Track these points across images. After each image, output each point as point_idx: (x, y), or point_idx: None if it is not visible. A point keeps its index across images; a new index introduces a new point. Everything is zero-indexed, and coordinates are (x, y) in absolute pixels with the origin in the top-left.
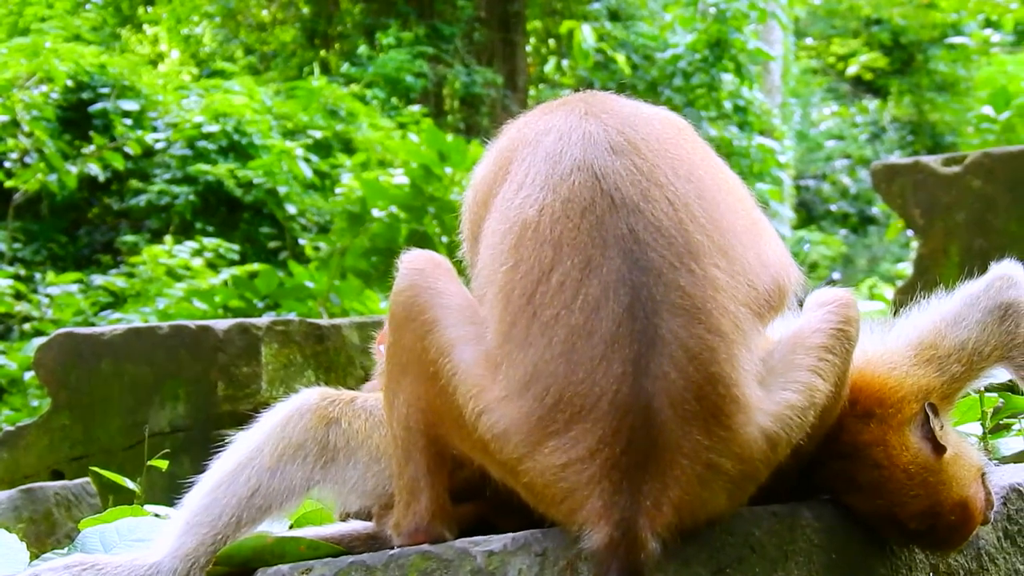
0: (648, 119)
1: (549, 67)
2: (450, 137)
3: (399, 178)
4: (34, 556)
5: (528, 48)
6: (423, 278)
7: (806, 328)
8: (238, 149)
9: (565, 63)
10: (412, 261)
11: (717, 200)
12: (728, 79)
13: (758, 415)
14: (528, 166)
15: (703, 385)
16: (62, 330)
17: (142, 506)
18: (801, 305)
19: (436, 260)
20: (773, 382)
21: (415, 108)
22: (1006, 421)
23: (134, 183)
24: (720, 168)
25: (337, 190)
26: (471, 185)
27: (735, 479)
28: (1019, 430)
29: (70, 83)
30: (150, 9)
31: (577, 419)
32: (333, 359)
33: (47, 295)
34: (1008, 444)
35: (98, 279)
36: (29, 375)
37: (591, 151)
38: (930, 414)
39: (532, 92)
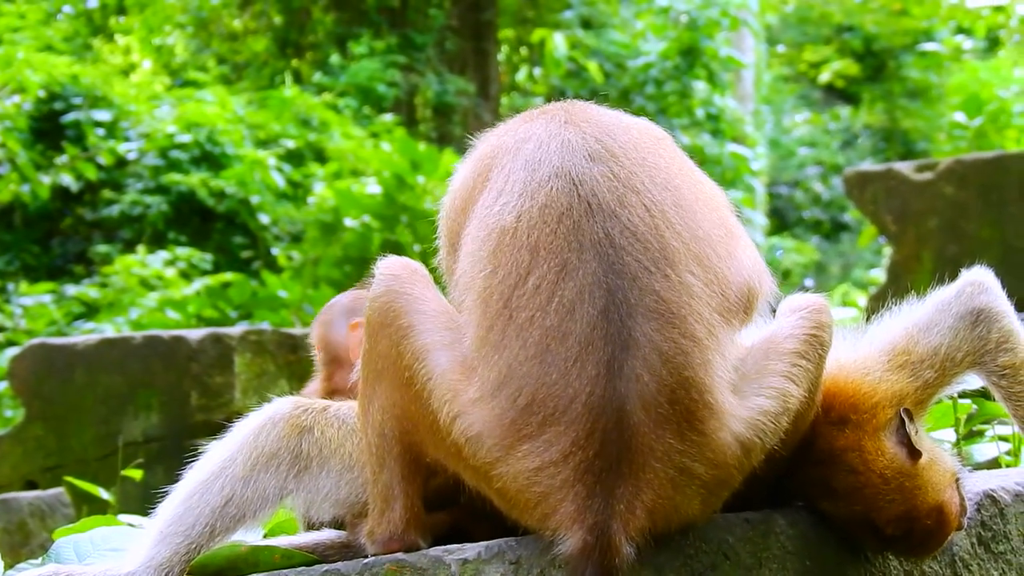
0: (627, 128)
1: (521, 76)
2: (422, 146)
3: (372, 187)
4: (8, 566)
5: (500, 57)
6: (399, 284)
7: (779, 334)
8: (211, 159)
9: (537, 71)
10: (388, 267)
11: (694, 208)
12: (700, 87)
13: (731, 421)
14: (507, 173)
15: (676, 389)
16: (35, 340)
17: (116, 516)
18: (774, 312)
19: (412, 266)
20: (746, 388)
21: (387, 117)
22: (979, 427)
23: (107, 193)
24: (698, 178)
25: (310, 199)
26: (449, 191)
27: (709, 484)
28: (992, 436)
29: (42, 93)
30: (122, 19)
31: (550, 421)
32: (307, 369)
33: (20, 305)
34: (981, 450)
35: (71, 289)
36: (2, 386)
37: (569, 158)
38: (905, 419)
39: (504, 101)
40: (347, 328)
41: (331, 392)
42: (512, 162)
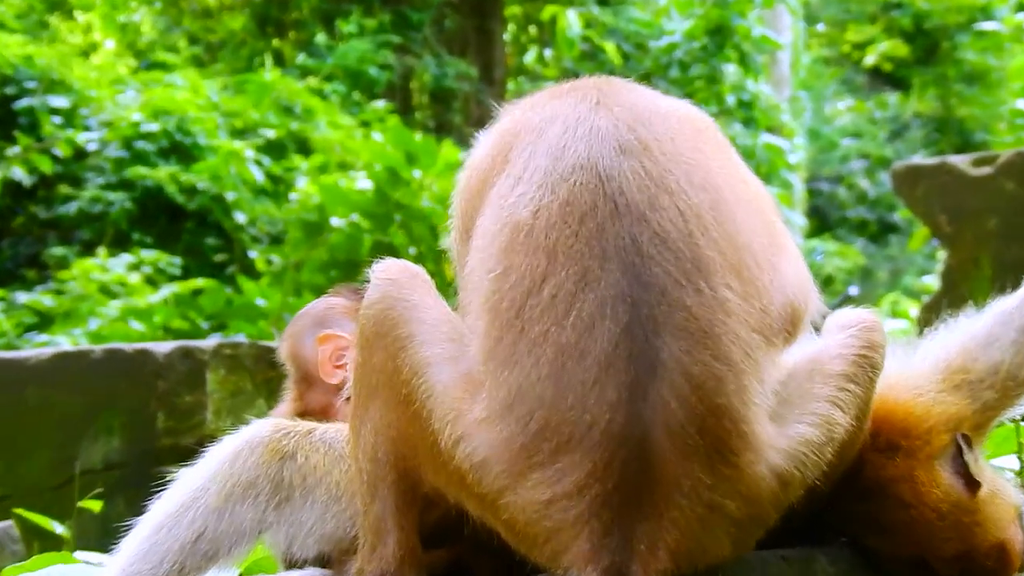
0: (665, 116)
1: (530, 58)
2: (419, 136)
3: (362, 182)
4: None
5: (506, 37)
6: (397, 289)
7: (825, 354)
8: (181, 150)
9: (548, 53)
10: (385, 271)
11: (734, 212)
12: (731, 70)
13: (768, 452)
14: (528, 158)
15: (707, 417)
16: None
17: (72, 553)
18: (819, 328)
19: (411, 270)
20: (787, 414)
21: (379, 104)
22: None
23: (64, 189)
24: (741, 175)
25: (292, 196)
26: (467, 167)
27: (740, 522)
28: None
29: None
30: None
31: (564, 449)
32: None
33: None
34: None
35: (22, 296)
36: None
37: (597, 149)
38: (963, 446)
39: (510, 86)
40: (315, 341)
41: (303, 413)
42: (535, 145)
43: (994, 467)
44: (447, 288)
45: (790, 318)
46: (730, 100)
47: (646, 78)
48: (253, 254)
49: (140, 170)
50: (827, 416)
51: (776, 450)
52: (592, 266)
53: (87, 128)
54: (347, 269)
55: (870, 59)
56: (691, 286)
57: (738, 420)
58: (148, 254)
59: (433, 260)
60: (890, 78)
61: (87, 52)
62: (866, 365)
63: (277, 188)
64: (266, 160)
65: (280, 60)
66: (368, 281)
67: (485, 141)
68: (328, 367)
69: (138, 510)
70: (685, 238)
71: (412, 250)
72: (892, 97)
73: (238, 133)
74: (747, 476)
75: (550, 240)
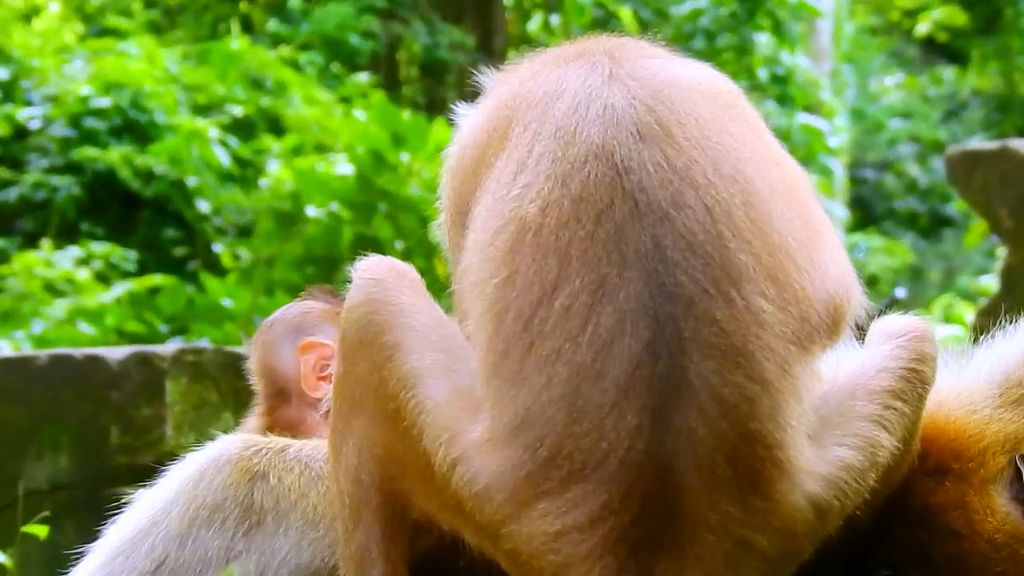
0: (688, 90)
1: (534, 25)
2: (407, 114)
3: (342, 167)
4: None
5: (507, 1)
6: (383, 291)
7: (869, 367)
8: (136, 129)
9: (555, 19)
10: (369, 270)
11: (768, 206)
12: (764, 40)
13: (805, 480)
14: (532, 139)
15: (738, 445)
16: None
17: None
18: (862, 334)
19: (399, 269)
20: (826, 435)
21: (362, 77)
22: None
23: (2, 172)
24: (774, 156)
25: (262, 182)
26: (457, 143)
27: (772, 558)
28: None
29: None
30: None
31: (577, 478)
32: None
33: None
34: None
35: None
36: None
37: (613, 133)
38: (1021, 469)
39: (511, 57)
40: (295, 351)
41: (271, 429)
42: (539, 124)
43: None
44: (439, 287)
45: (833, 318)
46: (762, 75)
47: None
48: (218, 248)
49: (89, 151)
50: (871, 438)
51: (814, 477)
52: (610, 274)
53: (28, 103)
54: (325, 265)
55: (922, 28)
56: (721, 296)
57: (773, 447)
58: (99, 247)
59: (423, 255)
60: (945, 50)
61: (29, 16)
62: (915, 380)
63: (245, 173)
64: (233, 141)
65: (248, 26)
66: (349, 281)
67: (476, 114)
68: (312, 379)
69: (89, 536)
70: (714, 240)
71: (399, 244)
72: (947, 72)
73: (201, 110)
74: (781, 508)
75: (562, 242)
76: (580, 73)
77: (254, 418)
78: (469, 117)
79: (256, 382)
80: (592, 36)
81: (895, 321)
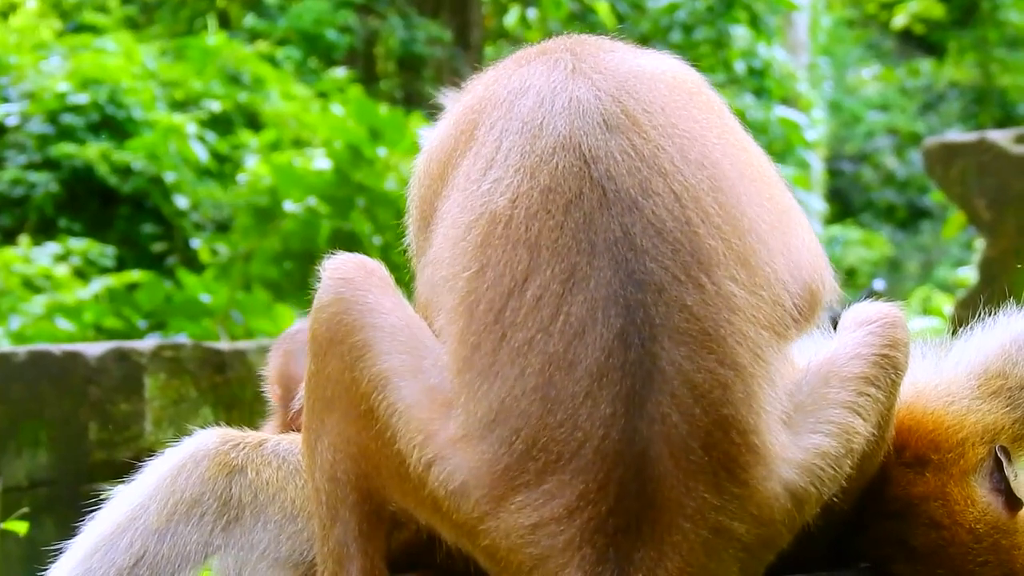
0: (652, 80)
1: (511, 19)
2: (384, 109)
3: (319, 162)
4: None
5: None
6: (352, 290)
7: (842, 354)
8: (113, 125)
9: (532, 13)
10: (338, 268)
11: (737, 190)
12: (741, 33)
13: (781, 466)
14: (499, 136)
15: (712, 431)
16: None
17: None
18: (835, 323)
19: (368, 267)
20: (801, 423)
21: (339, 72)
22: None
23: None
24: (741, 143)
25: (240, 177)
26: (424, 152)
27: (750, 546)
28: None
29: None
30: None
31: (553, 469)
32: (236, 393)
33: None
34: None
35: None
36: None
37: (579, 125)
38: (1001, 459)
39: (489, 51)
40: None
41: None
42: (505, 121)
43: None
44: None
45: (806, 303)
46: (739, 68)
47: (644, 42)
48: (196, 243)
49: (67, 148)
50: (845, 424)
51: (789, 463)
52: (580, 263)
53: (5, 99)
54: (303, 260)
55: (899, 20)
56: (691, 282)
57: (747, 432)
58: (77, 243)
59: (401, 251)
60: (922, 42)
61: (6, 13)
62: (888, 366)
63: (223, 168)
64: (210, 136)
65: (225, 22)
66: (319, 280)
67: (444, 120)
68: None
69: (68, 532)
70: (683, 227)
71: (377, 239)
72: (924, 64)
73: (178, 105)
74: (758, 494)
75: (531, 233)
76: (543, 70)
77: (271, 428)
78: (435, 128)
79: (272, 390)
80: (554, 37)
81: (867, 308)
